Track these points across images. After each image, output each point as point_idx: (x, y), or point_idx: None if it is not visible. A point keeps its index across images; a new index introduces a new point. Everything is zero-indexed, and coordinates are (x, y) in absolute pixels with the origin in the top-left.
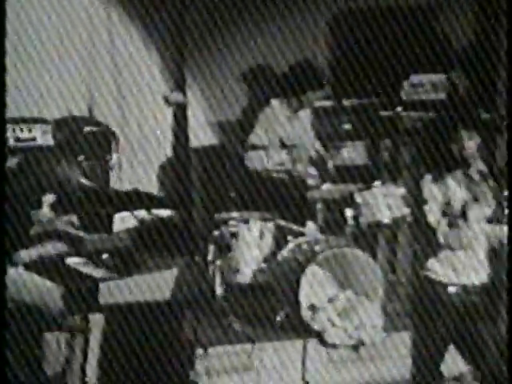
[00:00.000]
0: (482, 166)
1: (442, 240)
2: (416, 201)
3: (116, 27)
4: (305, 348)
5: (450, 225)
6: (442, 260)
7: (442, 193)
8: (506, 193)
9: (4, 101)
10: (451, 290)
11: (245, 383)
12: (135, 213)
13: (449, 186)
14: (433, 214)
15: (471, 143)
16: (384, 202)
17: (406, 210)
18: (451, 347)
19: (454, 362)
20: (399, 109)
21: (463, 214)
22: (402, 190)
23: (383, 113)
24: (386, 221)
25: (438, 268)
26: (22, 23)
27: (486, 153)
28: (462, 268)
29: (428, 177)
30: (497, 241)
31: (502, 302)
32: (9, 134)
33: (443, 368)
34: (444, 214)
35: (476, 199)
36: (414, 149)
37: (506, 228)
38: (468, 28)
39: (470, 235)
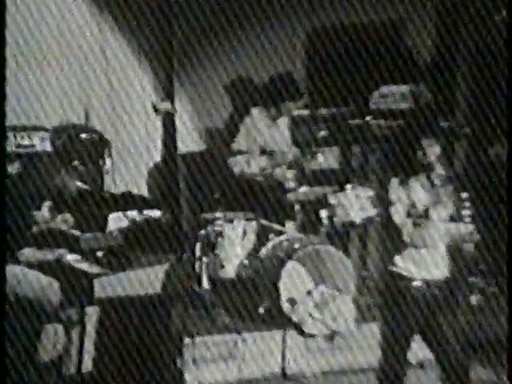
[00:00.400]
0: (443, 171)
1: (406, 238)
2: (384, 202)
3: (108, 41)
4: (284, 338)
5: (414, 224)
6: (407, 257)
7: (407, 195)
8: (465, 194)
9: (3, 109)
10: (415, 284)
11: (229, 370)
12: (127, 213)
13: (413, 189)
14: (398, 215)
15: (433, 150)
16: (356, 204)
17: (375, 211)
18: (416, 337)
19: (419, 351)
20: (368, 118)
21: (426, 215)
22: (371, 193)
23: (355, 121)
24: (358, 221)
25: (403, 264)
26: (22, 38)
27: (446, 158)
28: (425, 264)
29: (394, 180)
30: (458, 238)
31: (461, 295)
32: (10, 140)
33: (409, 356)
34: (409, 214)
35: (438, 201)
36: (382, 154)
37: (467, 226)
38: (430, 43)
39: (432, 234)
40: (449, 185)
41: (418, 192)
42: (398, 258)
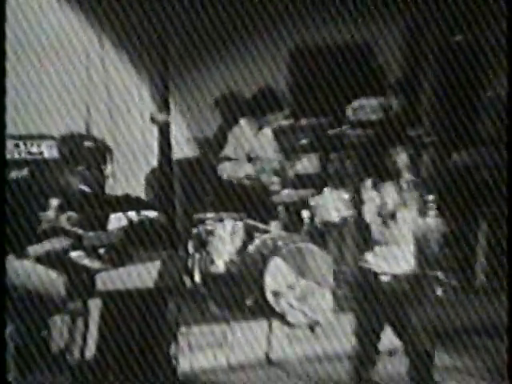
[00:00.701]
0: (410, 176)
1: (376, 236)
2: (358, 203)
3: (109, 57)
4: (270, 327)
5: (384, 223)
6: (377, 253)
7: (379, 196)
8: (430, 197)
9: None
10: (384, 278)
11: (218, 357)
12: (127, 214)
13: (384, 190)
14: (370, 214)
15: (402, 157)
16: (333, 205)
17: (350, 212)
18: (386, 326)
19: (389, 339)
20: (345, 127)
21: (395, 214)
22: (347, 195)
23: (332, 130)
24: (335, 220)
25: (372, 260)
26: (24, 50)
27: (413, 165)
28: (393, 259)
29: (367, 183)
30: (425, 230)
31: (429, 286)
32: (21, 148)
33: (380, 344)
34: (379, 214)
35: (406, 202)
36: (357, 161)
37: (434, 219)
38: (399, 61)
39: (400, 231)
40: (416, 187)
41: (389, 193)
42: (368, 255)
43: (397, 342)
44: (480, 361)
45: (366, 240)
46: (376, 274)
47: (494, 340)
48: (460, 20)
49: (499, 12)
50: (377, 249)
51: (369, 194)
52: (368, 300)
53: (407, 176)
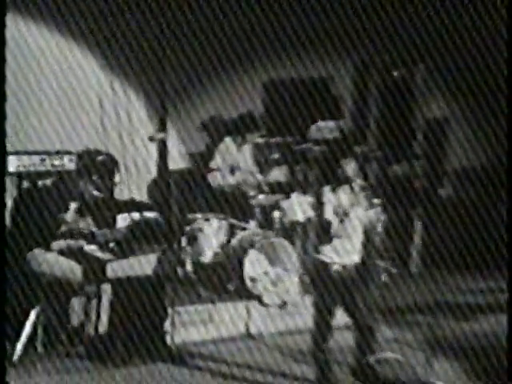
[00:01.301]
0: (360, 182)
1: (333, 231)
2: (319, 205)
3: (117, 91)
4: (248, 307)
5: (339, 220)
6: (332, 246)
7: (335, 198)
8: (376, 200)
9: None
10: (335, 268)
11: (206, 332)
12: (131, 214)
13: (340, 194)
14: (328, 213)
15: (352, 167)
16: (299, 207)
17: (313, 213)
18: (339, 307)
19: (341, 317)
20: (308, 144)
21: (348, 213)
22: (310, 199)
23: (298, 147)
24: (301, 220)
25: (327, 252)
26: (51, 89)
27: (361, 174)
28: (344, 252)
29: (326, 188)
30: (371, 220)
31: (375, 273)
32: (46, 161)
33: (338, 320)
34: (335, 213)
35: (356, 202)
36: (317, 171)
37: (376, 210)
38: (350, 91)
39: (352, 226)
40: (365, 192)
41: (343, 196)
42: (325, 247)
43: (347, 320)
44: (417, 334)
45: (324, 235)
46: (328, 264)
47: (427, 316)
48: (398, 58)
49: (434, 47)
50: (333, 242)
51: (327, 197)
52: (322, 285)
53: (358, 181)
